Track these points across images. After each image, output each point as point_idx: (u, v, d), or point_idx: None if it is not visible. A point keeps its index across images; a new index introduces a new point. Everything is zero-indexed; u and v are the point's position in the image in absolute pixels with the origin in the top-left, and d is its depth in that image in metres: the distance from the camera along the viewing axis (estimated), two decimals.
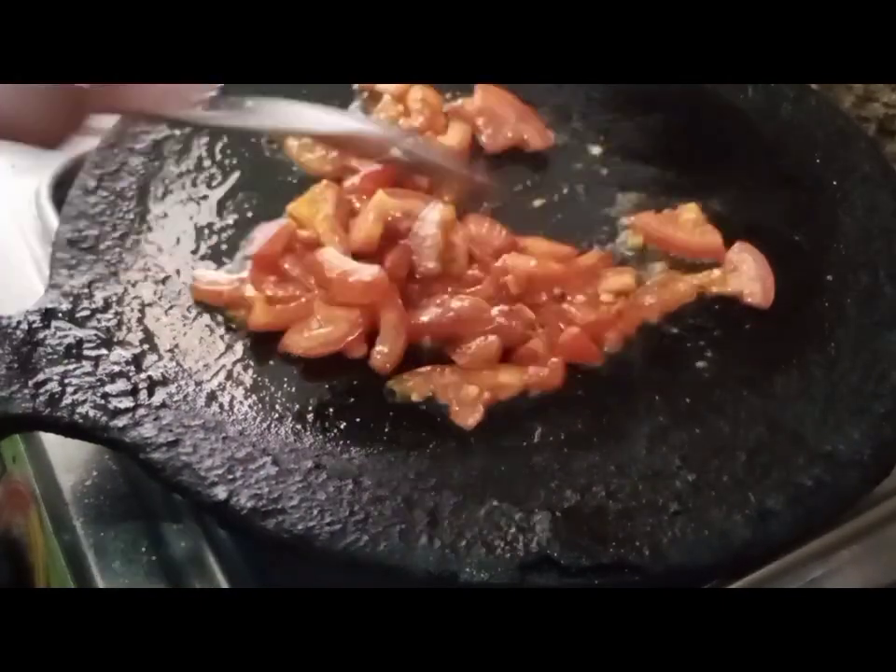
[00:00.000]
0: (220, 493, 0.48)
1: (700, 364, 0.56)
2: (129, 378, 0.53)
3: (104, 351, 0.54)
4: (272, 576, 0.52)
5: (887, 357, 0.56)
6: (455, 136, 0.69)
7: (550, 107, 0.72)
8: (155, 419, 0.51)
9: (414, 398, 0.54)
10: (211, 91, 0.48)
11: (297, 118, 0.54)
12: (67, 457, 0.56)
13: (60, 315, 0.55)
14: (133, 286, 0.58)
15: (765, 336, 0.58)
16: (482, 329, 0.55)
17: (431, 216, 0.59)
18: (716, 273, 0.61)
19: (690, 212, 0.64)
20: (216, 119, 0.50)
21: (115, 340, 0.55)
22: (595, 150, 0.70)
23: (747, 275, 0.60)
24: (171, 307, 0.58)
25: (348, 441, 0.51)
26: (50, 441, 0.56)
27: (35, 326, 0.54)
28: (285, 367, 0.55)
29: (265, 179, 0.66)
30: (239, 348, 0.56)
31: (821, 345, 0.57)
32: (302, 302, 0.57)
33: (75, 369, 0.52)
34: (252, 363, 0.55)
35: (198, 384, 0.53)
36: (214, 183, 0.65)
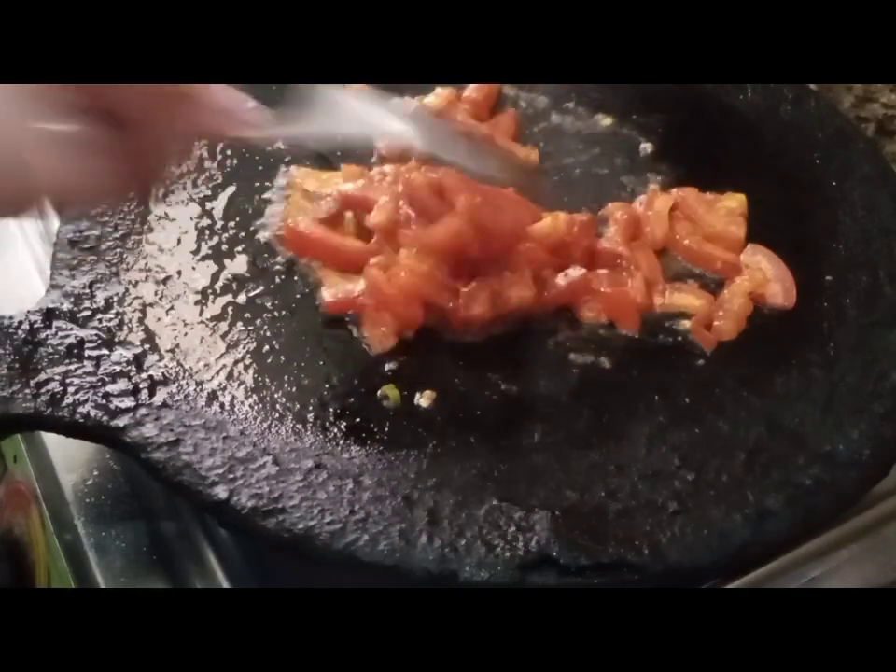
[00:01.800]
0: (221, 492, 0.48)
1: (700, 364, 0.57)
2: (130, 378, 0.53)
3: (105, 351, 0.54)
4: (272, 576, 0.52)
5: (886, 357, 0.56)
6: None
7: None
8: (156, 419, 0.51)
9: (424, 402, 0.54)
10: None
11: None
12: (68, 457, 0.56)
13: (61, 314, 0.55)
14: (135, 286, 0.58)
15: (765, 336, 0.58)
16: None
17: None
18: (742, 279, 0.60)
19: (733, 201, 0.64)
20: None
21: (116, 340, 0.55)
22: (596, 150, 0.70)
23: (764, 277, 0.60)
24: (172, 307, 0.58)
25: (348, 441, 0.51)
26: (51, 440, 0.56)
27: (36, 326, 0.54)
28: (285, 366, 0.55)
29: (266, 179, 0.66)
30: (241, 348, 0.56)
31: (821, 345, 0.57)
32: None
33: (76, 368, 0.52)
34: (253, 362, 0.55)
35: (199, 383, 0.53)
36: (215, 183, 0.66)
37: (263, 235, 0.62)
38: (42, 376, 0.51)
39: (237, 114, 0.43)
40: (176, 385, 0.53)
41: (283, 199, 0.64)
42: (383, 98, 0.55)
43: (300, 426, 0.52)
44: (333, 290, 0.58)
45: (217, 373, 0.54)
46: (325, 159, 0.67)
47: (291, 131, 0.50)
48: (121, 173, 0.39)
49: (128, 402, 0.51)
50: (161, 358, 0.54)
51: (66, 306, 0.56)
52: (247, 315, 0.58)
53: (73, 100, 0.37)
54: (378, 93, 0.55)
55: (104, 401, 0.51)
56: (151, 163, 0.41)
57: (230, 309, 0.58)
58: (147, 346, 0.55)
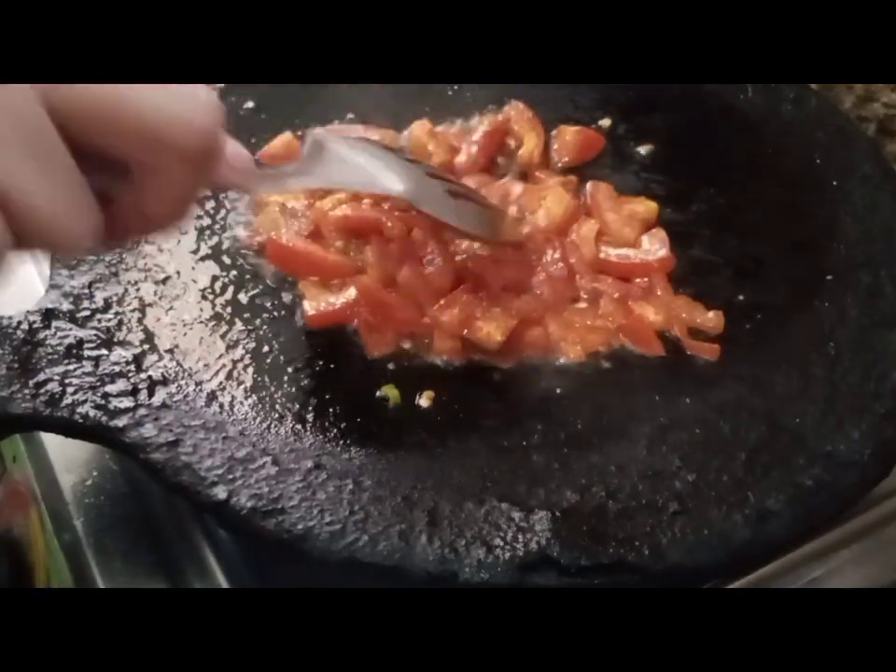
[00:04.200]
0: (220, 493, 0.48)
1: (700, 364, 0.57)
2: (129, 378, 0.53)
3: (104, 351, 0.54)
4: (272, 576, 0.52)
5: (887, 357, 0.56)
6: None
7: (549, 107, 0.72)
8: (155, 419, 0.51)
9: (424, 402, 0.54)
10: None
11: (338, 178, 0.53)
12: (67, 457, 0.56)
13: (60, 315, 0.55)
14: (134, 286, 0.58)
15: (765, 336, 0.58)
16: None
17: None
18: None
19: (642, 205, 0.64)
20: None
21: (115, 340, 0.55)
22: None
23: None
24: (171, 307, 0.58)
25: (348, 441, 0.51)
26: (51, 440, 0.56)
27: (35, 326, 0.54)
28: (285, 366, 0.55)
29: None
30: (240, 349, 0.56)
31: (821, 345, 0.57)
32: None
33: (75, 369, 0.52)
34: (253, 362, 0.55)
35: (198, 384, 0.53)
36: None
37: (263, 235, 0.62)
38: (41, 376, 0.51)
39: (245, 168, 0.42)
40: (176, 385, 0.53)
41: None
42: (384, 152, 0.56)
43: (299, 426, 0.52)
44: (315, 303, 0.58)
45: (217, 374, 0.54)
46: None
47: (297, 182, 0.52)
48: (110, 223, 0.37)
49: (127, 403, 0.51)
50: (161, 359, 0.54)
51: (65, 306, 0.56)
52: (247, 315, 0.58)
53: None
54: (380, 148, 0.57)
55: (103, 402, 0.51)
56: (154, 216, 0.39)
57: (229, 309, 0.58)
58: (146, 346, 0.55)
